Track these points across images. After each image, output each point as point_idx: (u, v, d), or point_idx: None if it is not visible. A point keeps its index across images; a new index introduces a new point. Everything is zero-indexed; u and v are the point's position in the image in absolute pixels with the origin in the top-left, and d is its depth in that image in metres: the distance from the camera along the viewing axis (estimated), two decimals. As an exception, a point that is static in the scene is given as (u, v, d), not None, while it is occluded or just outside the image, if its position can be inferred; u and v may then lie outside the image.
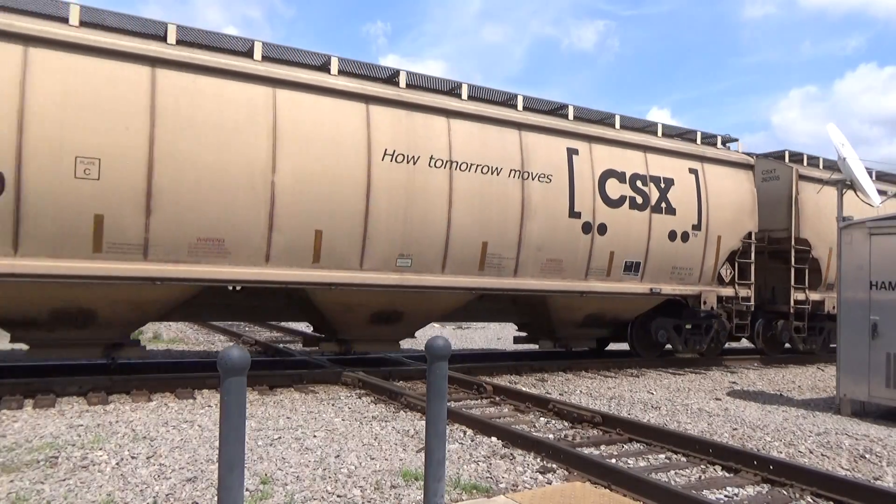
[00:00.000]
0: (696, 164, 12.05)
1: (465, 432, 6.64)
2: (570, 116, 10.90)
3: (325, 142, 8.53)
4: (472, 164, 9.51)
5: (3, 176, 6.93)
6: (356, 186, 8.70)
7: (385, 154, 8.89)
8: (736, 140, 13.14)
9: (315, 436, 6.29)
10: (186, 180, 7.76)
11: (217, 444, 3.33)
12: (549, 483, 5.11)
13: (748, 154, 13.28)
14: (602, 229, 10.68)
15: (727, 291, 12.57)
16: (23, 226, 7.12)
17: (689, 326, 12.65)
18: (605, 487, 4.92)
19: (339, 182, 8.59)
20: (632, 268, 11.14)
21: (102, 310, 7.97)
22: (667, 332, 12.42)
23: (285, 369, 9.74)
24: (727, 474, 5.54)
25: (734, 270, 12.64)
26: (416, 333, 10.97)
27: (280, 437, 6.17)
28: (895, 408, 8.33)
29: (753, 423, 7.54)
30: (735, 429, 7.24)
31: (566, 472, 5.32)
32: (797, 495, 5.05)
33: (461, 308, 10.47)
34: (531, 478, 5.22)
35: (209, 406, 7.54)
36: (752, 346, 14.68)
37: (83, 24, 7.64)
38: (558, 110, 11.02)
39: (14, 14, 7.27)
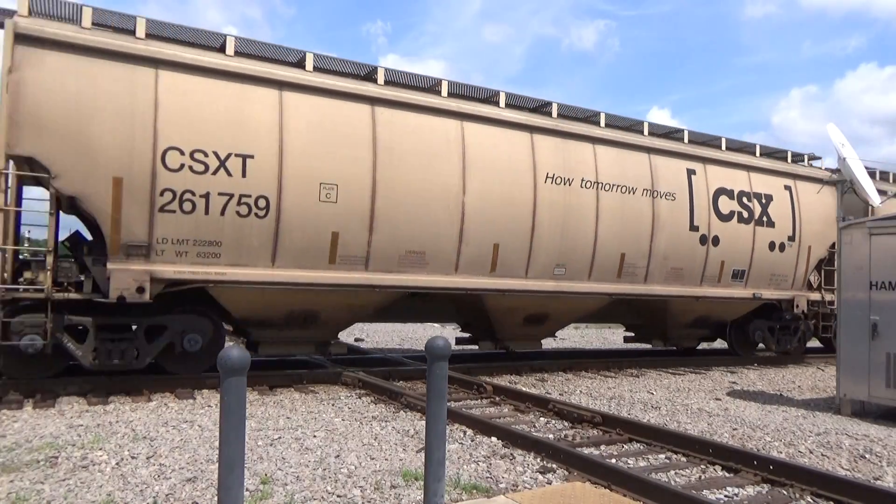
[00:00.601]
0: (789, 182, 13.44)
1: (465, 432, 6.64)
2: (686, 140, 12.37)
3: (502, 167, 9.98)
4: (613, 185, 10.99)
5: (269, 200, 8.35)
6: (525, 206, 10.14)
7: (547, 177, 10.34)
8: (819, 158, 14.39)
9: (315, 436, 6.29)
10: (398, 202, 9.17)
11: (217, 444, 3.34)
12: (549, 483, 5.11)
13: (830, 170, 14.37)
14: (715, 241, 12.16)
15: (815, 296, 13.96)
16: (280, 241, 8.52)
17: (779, 328, 13.80)
18: (605, 487, 4.92)
19: (512, 202, 10.03)
20: (738, 275, 12.62)
21: (325, 312, 9.34)
22: (762, 333, 13.59)
23: (285, 369, 9.74)
24: (727, 474, 5.54)
25: (821, 277, 14.10)
26: (556, 333, 12.46)
27: (280, 437, 6.17)
28: (895, 408, 8.33)
29: (753, 423, 7.54)
30: (735, 429, 7.24)
31: (566, 472, 5.32)
32: (797, 495, 5.05)
33: (596, 311, 11.89)
34: (531, 478, 5.22)
35: (209, 406, 7.55)
36: (823, 346, 15.88)
37: (316, 69, 9.13)
38: (674, 133, 12.40)
39: (267, 62, 8.82)
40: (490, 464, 5.55)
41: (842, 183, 9.74)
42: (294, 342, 9.47)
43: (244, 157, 8.24)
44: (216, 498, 3.78)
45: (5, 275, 7.56)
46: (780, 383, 11.40)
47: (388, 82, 9.54)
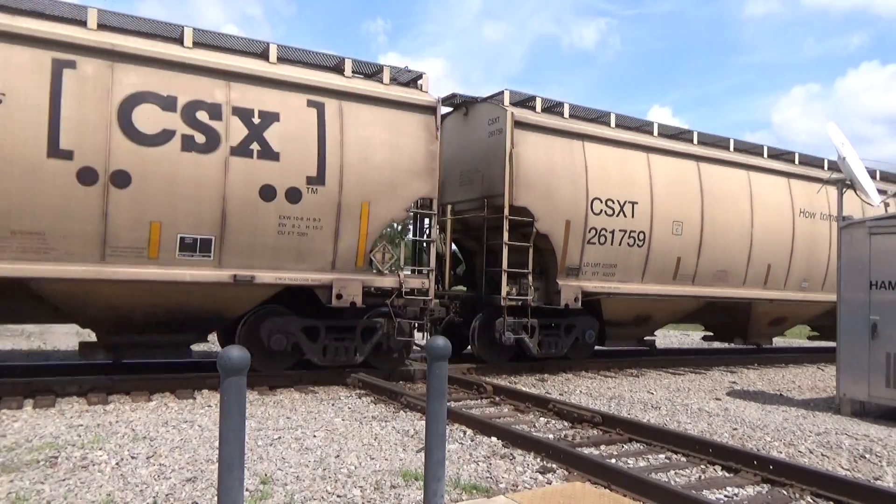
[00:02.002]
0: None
1: (465, 432, 6.64)
2: (825, 167, 14.27)
3: (772, 205, 13.01)
4: (826, 214, 13.76)
5: (644, 234, 11.32)
6: (786, 235, 13.15)
7: (800, 212, 13.38)
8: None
9: (315, 436, 6.29)
10: (715, 234, 12.16)
11: (217, 444, 3.33)
12: (549, 483, 5.11)
13: None
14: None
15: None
16: (648, 264, 11.51)
17: None
18: (605, 487, 4.92)
19: (780, 232, 13.06)
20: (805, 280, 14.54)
21: (657, 315, 12.42)
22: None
23: (285, 369, 9.73)
24: (727, 474, 5.54)
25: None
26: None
27: (280, 437, 6.17)
28: (895, 408, 8.33)
29: (753, 423, 7.54)
30: (735, 429, 7.24)
31: (566, 472, 5.32)
32: (797, 495, 5.05)
33: (820, 315, 14.33)
34: (531, 478, 5.22)
35: (209, 406, 7.54)
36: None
37: (660, 134, 12.16)
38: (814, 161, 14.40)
39: (637, 132, 11.87)
40: (490, 464, 5.55)
41: (841, 182, 9.72)
42: (626, 338, 12.39)
43: (632, 203, 11.23)
44: (216, 498, 3.78)
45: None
46: (779, 383, 11.40)
47: (700, 142, 12.56)
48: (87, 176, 7.32)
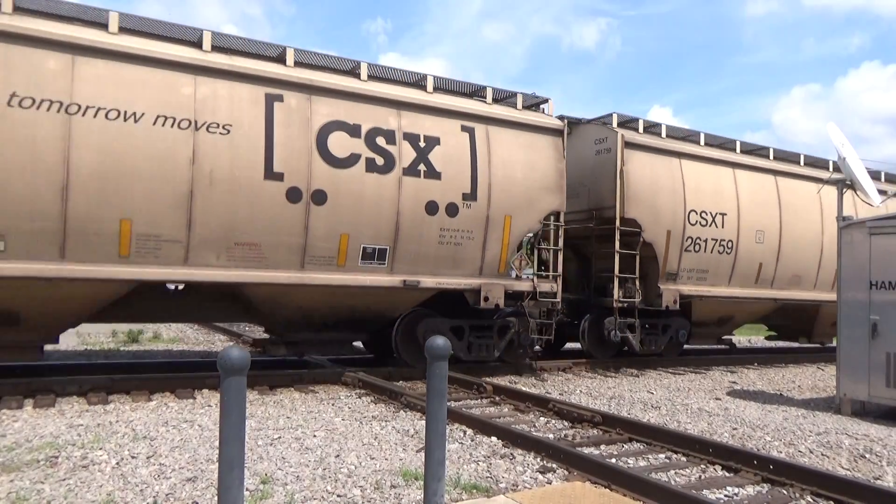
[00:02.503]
0: None
1: (465, 432, 6.64)
2: (882, 178, 14.96)
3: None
4: None
5: (732, 242, 12.48)
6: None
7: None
8: None
9: (315, 435, 6.29)
10: (790, 242, 13.28)
11: (217, 443, 3.33)
12: (549, 483, 5.11)
13: None
14: None
15: None
16: (734, 270, 12.68)
17: None
18: (605, 487, 4.92)
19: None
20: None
21: (738, 316, 13.57)
22: None
23: (285, 369, 9.74)
24: (727, 474, 5.54)
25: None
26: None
27: (280, 437, 6.17)
28: (895, 407, 8.33)
29: (753, 423, 7.54)
30: (735, 428, 7.24)
31: (566, 472, 5.32)
32: (797, 495, 5.05)
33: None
34: (531, 477, 5.22)
35: (209, 406, 7.55)
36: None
37: (742, 151, 13.28)
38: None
39: (719, 149, 13.02)
40: (490, 463, 5.55)
41: (841, 182, 9.73)
42: (708, 336, 13.60)
43: (722, 215, 12.38)
44: (216, 498, 3.78)
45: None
46: (779, 383, 11.40)
47: (775, 157, 13.57)
48: (293, 195, 8.43)
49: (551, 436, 6.63)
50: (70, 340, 14.11)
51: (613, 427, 6.92)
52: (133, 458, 5.34)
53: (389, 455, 5.69)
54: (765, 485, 5.29)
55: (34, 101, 7.08)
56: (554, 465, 5.48)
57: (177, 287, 9.00)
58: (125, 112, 7.48)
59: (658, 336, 12.33)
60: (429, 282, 9.49)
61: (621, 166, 11.22)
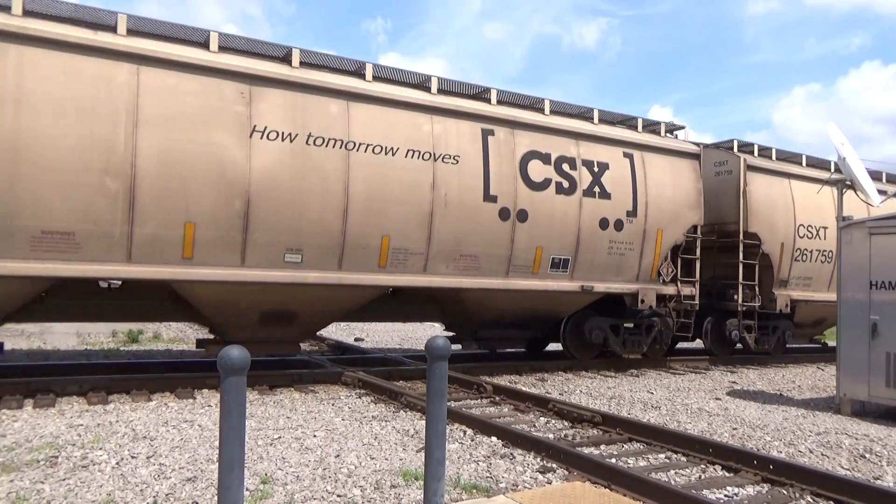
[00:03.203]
0: None
1: (465, 432, 6.64)
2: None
3: None
4: None
5: (832, 251, 13.13)
6: None
7: None
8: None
9: (315, 435, 6.29)
10: None
11: (217, 443, 3.33)
12: (549, 483, 5.11)
13: None
14: None
15: None
16: (833, 277, 12.67)
17: None
18: (605, 487, 4.92)
19: None
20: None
21: (830, 318, 13.97)
22: None
23: (285, 369, 9.74)
24: (727, 474, 5.54)
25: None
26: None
27: (280, 437, 6.17)
28: (895, 407, 8.33)
29: (753, 423, 7.54)
30: (735, 428, 7.24)
31: (566, 472, 5.32)
32: (797, 495, 5.06)
33: None
34: (531, 477, 5.22)
35: (209, 406, 7.55)
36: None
37: (836, 170, 13.14)
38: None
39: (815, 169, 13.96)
40: (490, 463, 5.55)
41: (841, 182, 9.73)
42: (803, 336, 15.06)
43: (823, 228, 13.63)
44: (216, 498, 3.78)
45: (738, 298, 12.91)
46: (779, 383, 11.40)
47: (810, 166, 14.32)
48: (504, 214, 9.91)
49: (551, 436, 6.63)
50: (70, 340, 14.10)
51: (613, 427, 6.92)
52: (133, 458, 5.34)
53: (389, 455, 5.69)
54: (765, 485, 5.29)
55: (324, 139, 8.56)
56: (554, 465, 5.48)
57: (389, 291, 10.32)
58: (385, 147, 8.98)
59: (769, 336, 13.78)
60: (600, 287, 11.09)
61: (744, 187, 12.77)
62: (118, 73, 7.53)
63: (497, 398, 8.55)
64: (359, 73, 9.16)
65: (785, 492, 5.11)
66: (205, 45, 8.19)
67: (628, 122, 11.75)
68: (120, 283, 8.76)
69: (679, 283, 11.97)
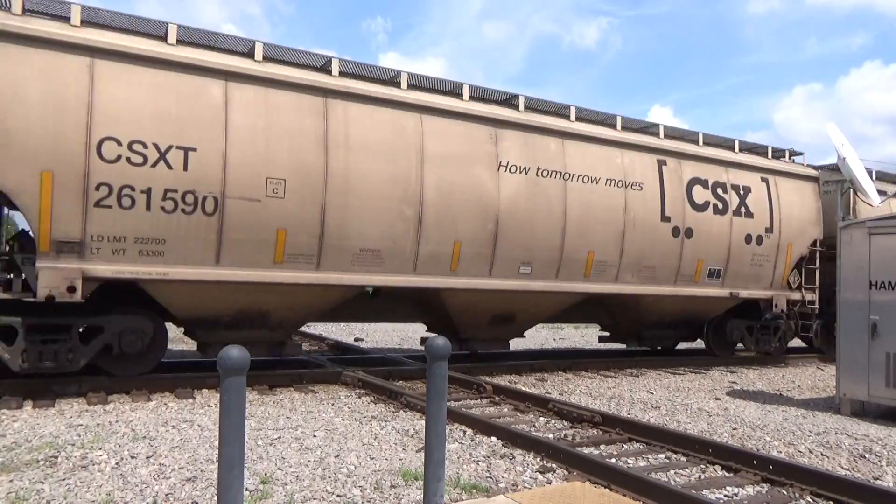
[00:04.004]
0: None
1: (464, 432, 6.64)
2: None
3: None
4: None
5: None
6: None
7: None
8: None
9: (315, 435, 6.29)
10: None
11: (217, 443, 3.33)
12: (549, 483, 5.11)
13: None
14: None
15: None
16: None
17: None
18: (605, 487, 4.92)
19: None
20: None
21: None
22: None
23: (285, 369, 9.75)
24: (727, 474, 5.54)
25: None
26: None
27: (280, 437, 6.17)
28: (895, 407, 8.33)
29: (753, 423, 7.54)
30: (735, 428, 7.24)
31: (566, 472, 5.32)
32: (797, 495, 5.06)
33: None
34: (531, 477, 5.22)
35: (209, 406, 7.54)
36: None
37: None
38: None
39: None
40: (490, 463, 5.55)
41: (841, 182, 9.74)
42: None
43: None
44: (216, 497, 3.78)
45: None
46: (779, 383, 11.40)
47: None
48: (675, 232, 11.68)
49: (551, 436, 6.63)
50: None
51: (613, 427, 6.92)
52: (133, 458, 5.34)
53: (389, 455, 5.69)
54: (764, 485, 5.29)
55: (548, 171, 10.34)
56: (554, 465, 5.48)
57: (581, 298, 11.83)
58: (590, 177, 10.78)
59: None
60: (744, 293, 12.76)
61: (852, 206, 13.88)
62: (408, 121, 9.34)
63: (497, 398, 8.55)
64: (564, 114, 11.04)
65: (785, 492, 5.11)
66: (454, 93, 10.10)
67: (760, 149, 13.45)
68: (371, 289, 10.35)
69: (803, 290, 13.52)
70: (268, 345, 9.24)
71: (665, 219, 11.53)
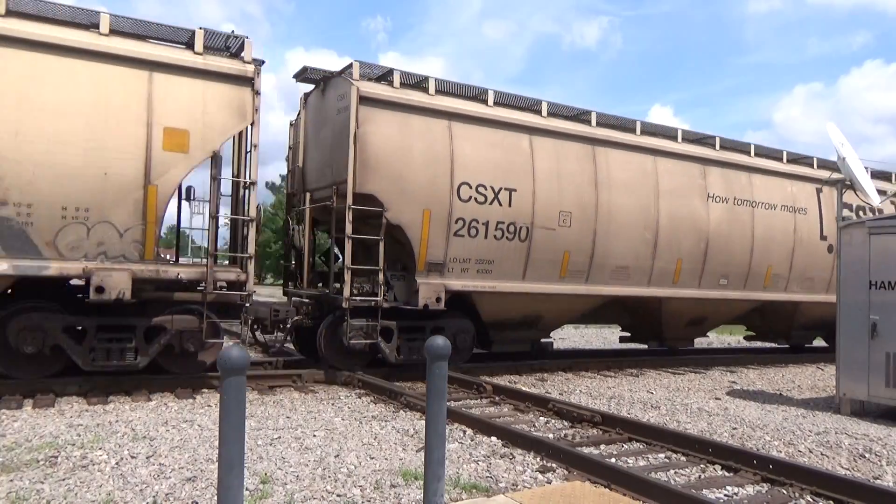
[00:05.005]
0: None
1: (464, 432, 6.64)
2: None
3: None
4: None
5: None
6: None
7: None
8: None
9: (315, 435, 6.29)
10: None
11: (217, 443, 3.33)
12: (549, 482, 5.11)
13: None
14: None
15: None
16: None
17: None
18: (605, 487, 4.92)
19: None
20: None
21: None
22: None
23: (285, 369, 9.74)
24: (727, 473, 5.54)
25: None
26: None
27: (280, 437, 6.17)
28: (895, 407, 8.33)
29: (753, 423, 7.54)
30: (735, 428, 7.24)
31: (566, 472, 5.32)
32: (797, 494, 5.06)
33: None
34: (531, 477, 5.22)
35: (209, 406, 7.54)
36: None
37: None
38: None
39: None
40: (490, 463, 5.55)
41: (841, 182, 9.73)
42: None
43: None
44: (216, 497, 3.78)
45: None
46: (779, 383, 11.40)
47: None
48: (829, 249, 13.41)
49: (551, 435, 6.63)
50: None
51: (613, 427, 6.92)
52: (133, 457, 5.34)
53: (389, 455, 5.69)
54: (764, 484, 5.29)
55: (741, 200, 12.61)
56: (554, 465, 5.48)
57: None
58: (770, 204, 12.97)
59: None
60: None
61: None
62: (647, 163, 11.63)
63: (497, 398, 8.55)
64: (746, 150, 13.16)
65: (784, 491, 5.11)
66: (671, 136, 12.36)
67: (885, 175, 14.94)
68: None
69: None
70: (530, 341, 11.66)
71: (822, 238, 13.62)
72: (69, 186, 7.42)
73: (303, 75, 10.57)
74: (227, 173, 9.01)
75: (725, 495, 5.03)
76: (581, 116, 11.35)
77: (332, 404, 7.93)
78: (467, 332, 10.34)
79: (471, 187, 9.76)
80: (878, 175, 15.25)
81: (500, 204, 10.03)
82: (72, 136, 7.45)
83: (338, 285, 9.81)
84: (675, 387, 10.39)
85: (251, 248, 8.62)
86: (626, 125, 11.79)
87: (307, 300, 10.42)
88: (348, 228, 9.10)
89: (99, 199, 7.57)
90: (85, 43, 7.64)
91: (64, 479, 4.75)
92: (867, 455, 6.24)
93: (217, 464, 2.98)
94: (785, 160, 13.64)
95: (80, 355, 7.80)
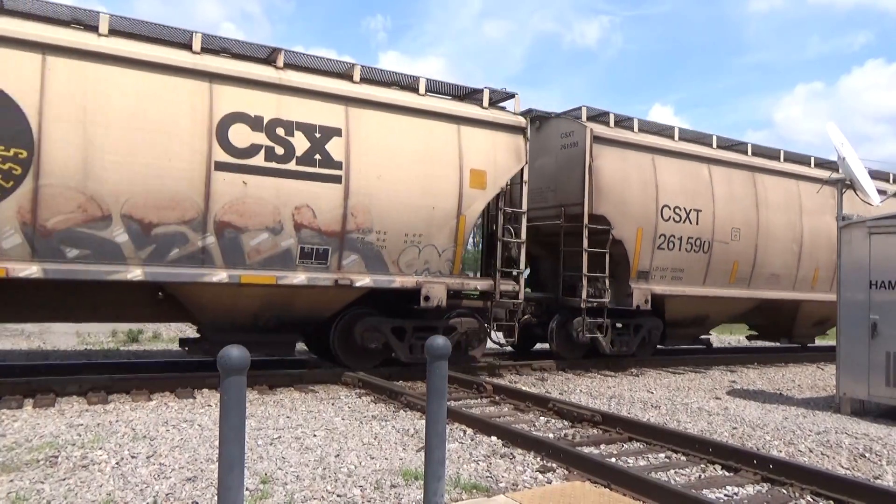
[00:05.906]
0: None
1: (464, 432, 6.64)
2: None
3: None
4: None
5: None
6: None
7: None
8: None
9: (315, 435, 6.29)
10: None
11: (217, 443, 3.33)
12: (549, 482, 5.11)
13: None
14: None
15: None
16: None
17: None
18: (605, 487, 4.92)
19: None
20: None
21: None
22: None
23: (285, 369, 9.74)
24: (727, 473, 5.54)
25: None
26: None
27: (280, 437, 6.17)
28: (895, 406, 8.33)
29: (753, 422, 7.54)
30: (735, 428, 7.25)
31: (566, 472, 5.32)
32: (797, 494, 5.06)
33: None
34: (531, 477, 5.22)
35: (209, 405, 7.54)
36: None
37: None
38: None
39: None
40: (490, 463, 5.55)
41: (841, 182, 9.73)
42: None
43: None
44: (216, 497, 3.78)
45: None
46: (779, 382, 11.40)
47: None
48: None
49: (551, 435, 6.63)
50: (70, 340, 14.11)
51: (613, 426, 6.92)
52: (133, 457, 5.34)
53: (389, 455, 5.69)
54: (764, 484, 5.29)
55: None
56: (554, 465, 5.48)
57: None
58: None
59: None
60: None
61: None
62: (792, 185, 13.59)
63: (497, 398, 8.55)
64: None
65: (785, 491, 5.11)
66: (805, 162, 14.26)
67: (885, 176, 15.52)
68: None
69: None
70: (694, 337, 13.37)
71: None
72: (411, 218, 9.30)
73: (527, 115, 11.82)
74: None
75: (725, 495, 5.03)
76: (737, 147, 13.33)
77: (333, 404, 7.93)
78: (658, 329, 12.41)
79: (669, 208, 11.79)
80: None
81: (690, 222, 12.04)
82: (412, 178, 9.28)
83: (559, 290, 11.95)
84: (675, 386, 10.39)
85: (522, 265, 10.66)
86: (772, 154, 13.65)
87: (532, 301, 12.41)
88: (585, 243, 11.16)
89: (428, 227, 9.45)
90: (414, 103, 9.51)
91: (64, 479, 4.75)
92: (867, 455, 6.24)
93: (217, 464, 2.98)
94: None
95: (402, 350, 9.70)
